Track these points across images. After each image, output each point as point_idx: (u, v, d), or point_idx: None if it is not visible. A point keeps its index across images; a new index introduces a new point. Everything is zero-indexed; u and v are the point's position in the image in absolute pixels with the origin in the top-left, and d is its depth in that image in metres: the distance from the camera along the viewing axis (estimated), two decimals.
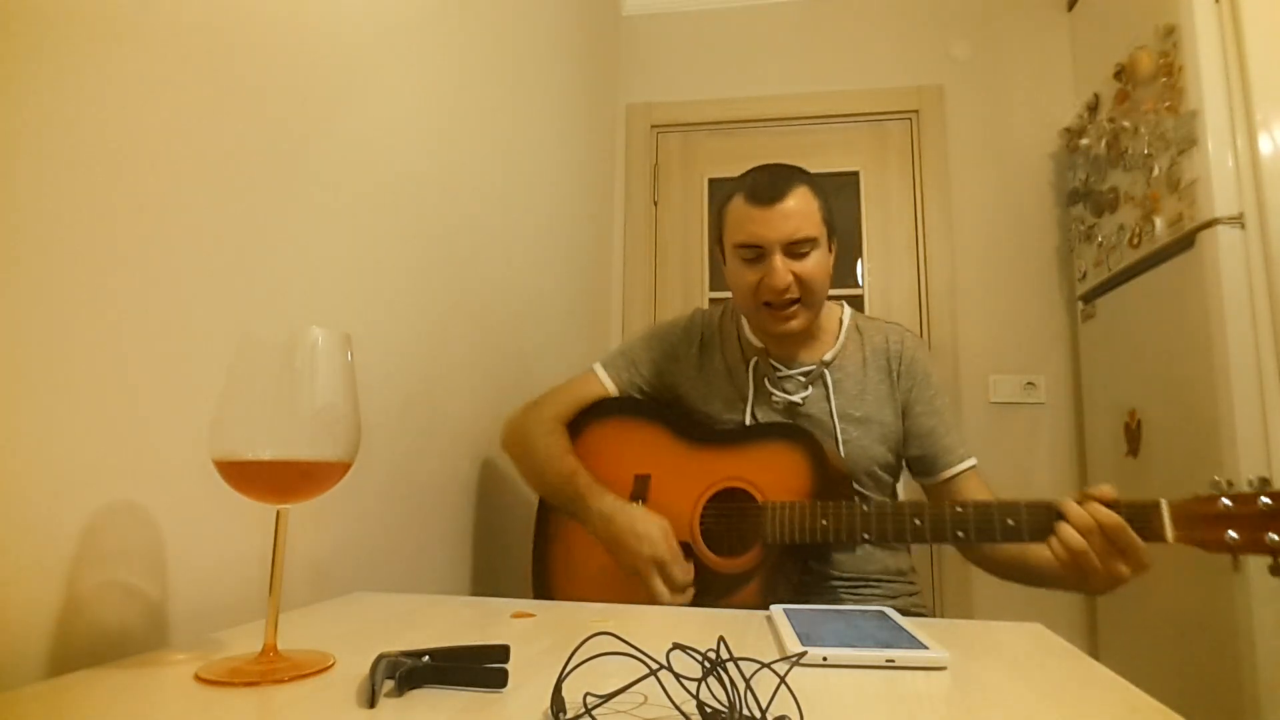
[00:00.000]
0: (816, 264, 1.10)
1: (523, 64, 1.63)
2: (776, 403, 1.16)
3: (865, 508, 0.98)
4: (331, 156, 0.92)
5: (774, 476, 1.06)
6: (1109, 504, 0.85)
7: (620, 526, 1.04)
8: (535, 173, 1.72)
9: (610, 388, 1.25)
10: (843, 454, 1.13)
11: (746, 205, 1.11)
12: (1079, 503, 0.86)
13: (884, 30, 2.48)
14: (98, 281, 0.59)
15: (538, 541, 1.22)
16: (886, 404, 1.16)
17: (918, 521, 0.95)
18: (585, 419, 1.23)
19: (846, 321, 1.22)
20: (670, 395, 1.26)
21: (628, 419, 1.22)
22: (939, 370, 1.21)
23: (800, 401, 1.16)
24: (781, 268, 1.08)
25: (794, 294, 1.09)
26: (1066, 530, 0.85)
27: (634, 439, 1.19)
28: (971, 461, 1.16)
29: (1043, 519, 0.89)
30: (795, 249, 1.08)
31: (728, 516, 1.08)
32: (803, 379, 1.17)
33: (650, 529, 1.02)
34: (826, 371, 1.17)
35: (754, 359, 1.19)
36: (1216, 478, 0.84)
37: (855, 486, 1.14)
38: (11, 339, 0.53)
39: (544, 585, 1.18)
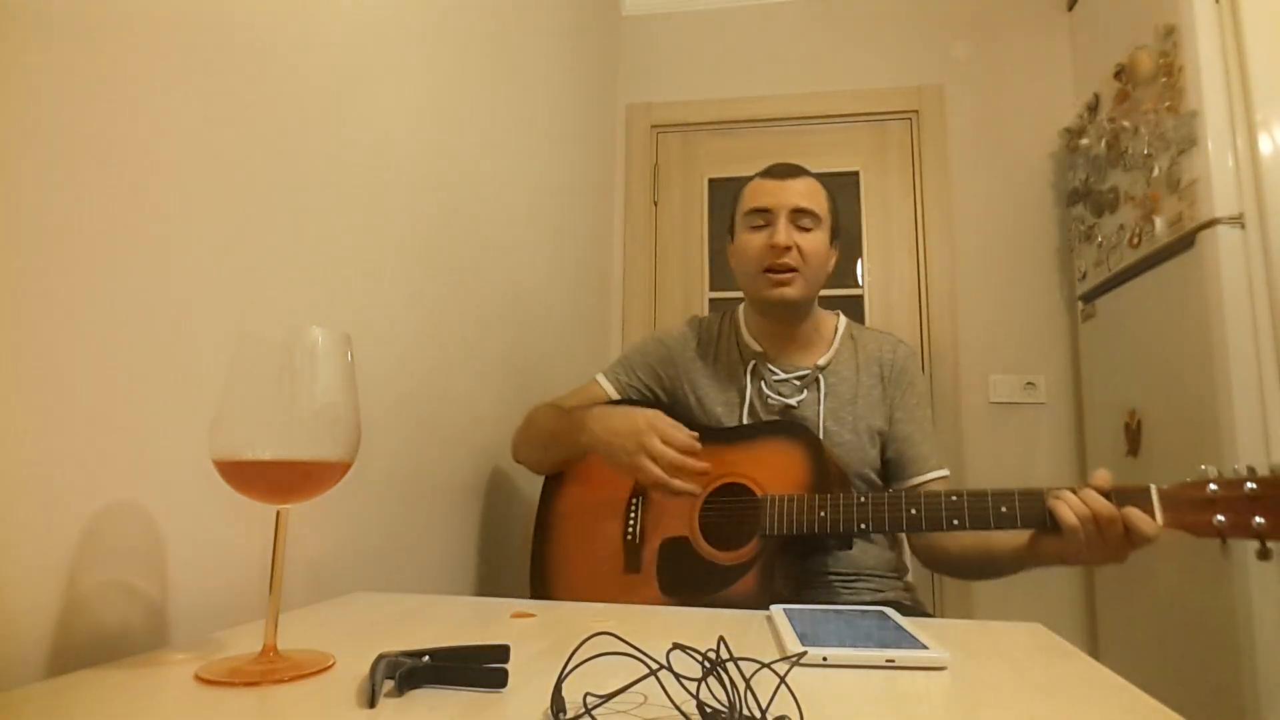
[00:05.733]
0: (817, 242, 1.19)
1: (523, 64, 1.63)
2: (772, 404, 1.21)
3: (862, 499, 1.00)
4: (331, 156, 0.92)
5: (773, 471, 1.08)
6: (1103, 492, 0.87)
7: (599, 438, 1.08)
8: (535, 173, 1.72)
9: (611, 392, 1.31)
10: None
11: (761, 179, 1.23)
12: (1075, 491, 0.89)
13: (884, 30, 2.48)
14: (97, 281, 0.59)
15: (536, 541, 1.22)
16: (878, 409, 1.21)
17: (914, 511, 0.97)
18: None
19: (841, 329, 1.27)
20: (667, 397, 1.31)
21: None
22: (926, 383, 1.28)
23: (795, 405, 1.20)
24: (785, 230, 1.17)
25: (793, 261, 1.17)
26: (1062, 509, 0.87)
27: None
28: (943, 472, 1.20)
29: (1036, 506, 0.91)
30: (800, 219, 1.18)
31: (727, 510, 1.09)
32: (798, 383, 1.22)
33: (632, 421, 1.04)
34: (821, 376, 1.21)
35: (752, 361, 1.24)
36: (1204, 466, 0.85)
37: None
38: (12, 339, 0.53)
39: (542, 585, 1.18)
